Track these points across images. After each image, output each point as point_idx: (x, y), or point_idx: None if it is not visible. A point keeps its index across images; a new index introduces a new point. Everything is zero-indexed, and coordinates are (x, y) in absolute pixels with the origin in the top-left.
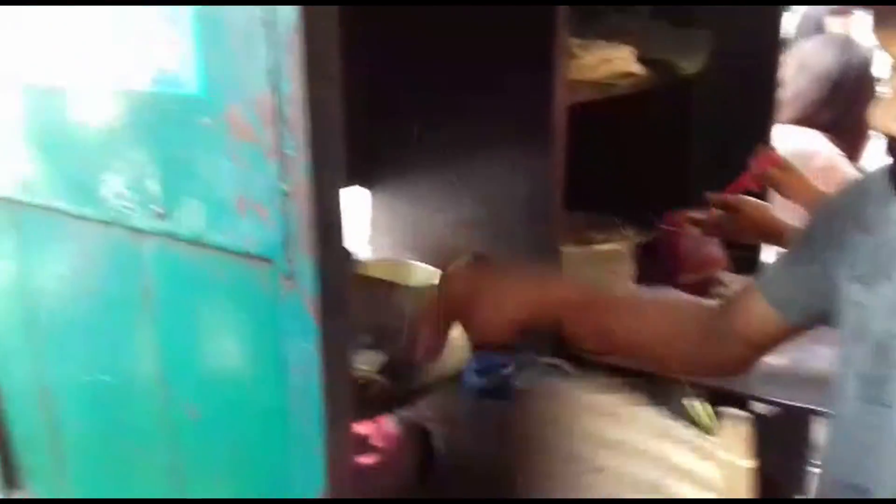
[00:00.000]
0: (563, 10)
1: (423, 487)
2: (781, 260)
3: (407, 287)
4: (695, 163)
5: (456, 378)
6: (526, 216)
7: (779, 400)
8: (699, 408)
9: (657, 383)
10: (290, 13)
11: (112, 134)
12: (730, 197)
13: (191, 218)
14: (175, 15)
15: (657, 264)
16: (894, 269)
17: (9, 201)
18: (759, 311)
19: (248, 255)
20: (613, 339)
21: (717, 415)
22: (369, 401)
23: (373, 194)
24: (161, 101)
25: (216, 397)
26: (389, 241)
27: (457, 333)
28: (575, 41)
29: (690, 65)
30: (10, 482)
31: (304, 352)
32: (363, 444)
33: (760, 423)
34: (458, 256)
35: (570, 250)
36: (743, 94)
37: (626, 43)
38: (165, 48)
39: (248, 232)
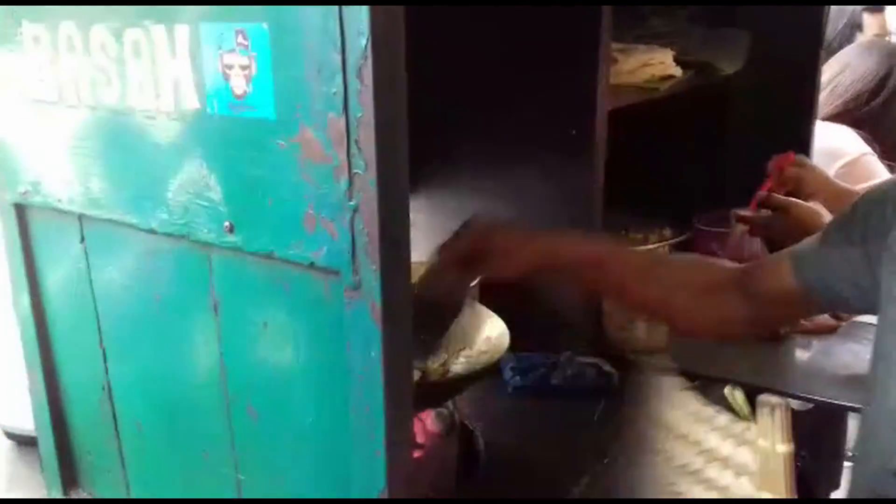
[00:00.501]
0: (606, 17)
1: (465, 484)
2: (817, 238)
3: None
4: (733, 163)
5: (494, 375)
6: (566, 221)
7: (816, 397)
8: (737, 395)
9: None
10: (361, 41)
11: (186, 154)
12: (780, 198)
13: (259, 232)
14: (250, 41)
15: None
16: None
17: (78, 216)
18: (784, 280)
19: (313, 267)
20: (627, 293)
21: (754, 403)
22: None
23: (414, 197)
24: (234, 124)
25: (277, 401)
26: (430, 244)
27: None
28: (616, 45)
29: (729, 65)
30: (69, 482)
31: (368, 360)
32: None
33: (797, 419)
34: None
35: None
36: (782, 94)
37: (665, 46)
38: (239, 73)
39: (315, 245)
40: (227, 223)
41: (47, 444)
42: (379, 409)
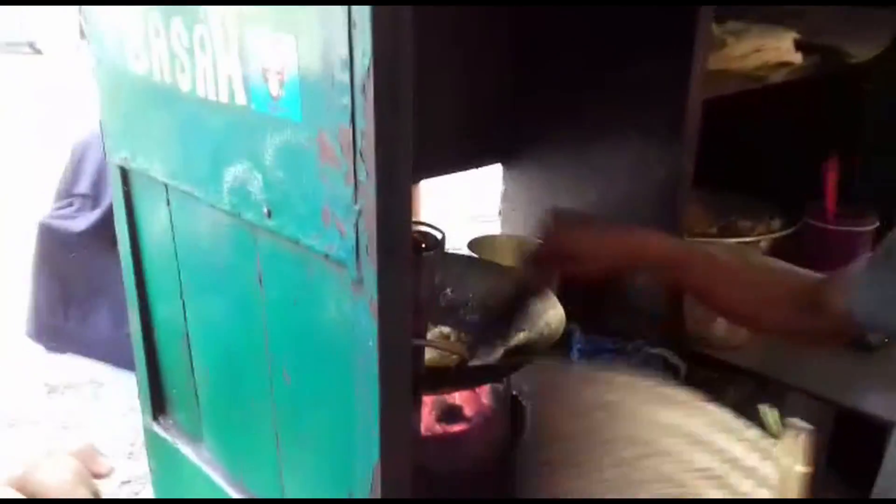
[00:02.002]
0: (706, 8)
1: (510, 458)
2: (871, 256)
3: (515, 269)
4: (864, 157)
5: (562, 355)
6: (653, 206)
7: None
8: (769, 413)
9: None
10: (366, 61)
11: (237, 143)
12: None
13: (289, 220)
14: (282, 49)
15: (802, 258)
16: None
17: (164, 184)
18: (838, 298)
19: (328, 259)
20: (714, 297)
21: (784, 423)
22: (465, 374)
23: (508, 170)
24: (272, 121)
25: (304, 370)
26: (520, 218)
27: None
28: (732, 26)
29: (863, 51)
30: (158, 409)
31: (367, 348)
32: (456, 414)
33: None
34: None
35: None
36: None
37: (795, 26)
38: (275, 77)
39: (331, 240)
40: (265, 209)
41: (142, 376)
42: (374, 393)
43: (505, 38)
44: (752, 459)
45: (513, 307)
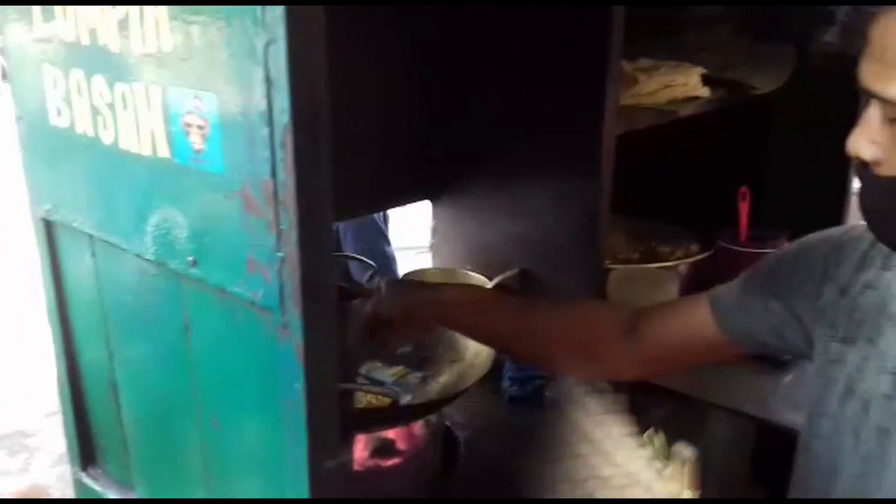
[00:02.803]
0: (616, 43)
1: (444, 489)
2: (737, 287)
3: None
4: (771, 182)
5: (493, 384)
6: (574, 236)
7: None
8: (656, 440)
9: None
10: (284, 118)
11: (161, 194)
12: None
13: (214, 269)
14: (204, 106)
15: (716, 280)
16: (876, 333)
17: (88, 235)
18: (702, 324)
19: (254, 305)
20: (513, 350)
21: (671, 449)
22: (397, 413)
23: (436, 207)
24: (195, 174)
25: (234, 416)
26: (449, 252)
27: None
28: (644, 63)
29: (767, 83)
30: (87, 459)
31: (293, 391)
32: (389, 449)
33: None
34: (508, 269)
35: (614, 268)
36: (828, 112)
37: (702, 61)
38: (197, 132)
39: (256, 286)
40: (190, 258)
41: (70, 426)
42: (302, 434)
43: (430, 79)
44: (646, 477)
45: (439, 338)
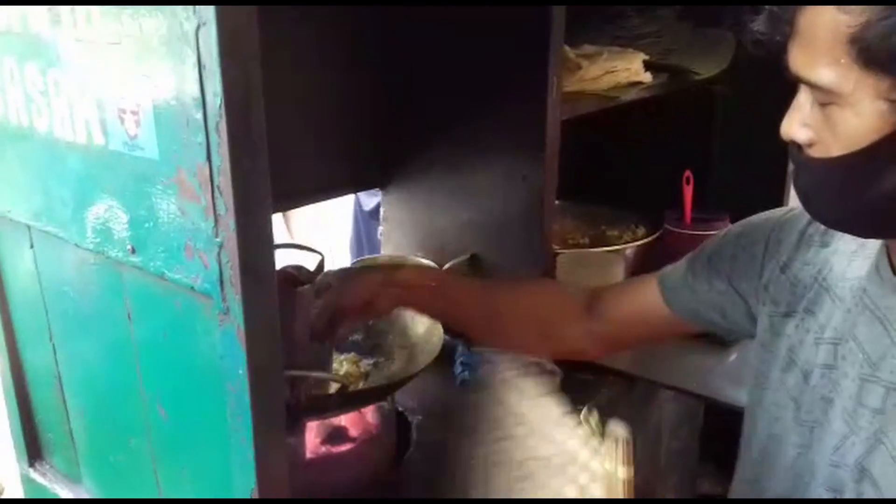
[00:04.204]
0: (557, 29)
1: (396, 475)
2: (684, 265)
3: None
4: (714, 166)
5: (445, 369)
6: (521, 221)
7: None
8: (591, 419)
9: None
10: (217, 101)
11: (97, 182)
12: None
13: (153, 255)
14: (136, 93)
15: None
16: (814, 304)
17: (26, 226)
18: (653, 305)
19: (194, 291)
20: (472, 332)
21: (605, 428)
22: (348, 399)
23: (386, 195)
24: (131, 160)
25: (179, 404)
26: (401, 239)
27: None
28: (588, 49)
29: (708, 68)
30: (33, 454)
31: (237, 376)
32: (341, 435)
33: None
34: (459, 254)
35: (562, 252)
36: (767, 97)
37: (644, 47)
38: (131, 117)
39: (195, 272)
40: (129, 245)
41: (15, 422)
42: (247, 420)
43: (377, 67)
44: (584, 455)
45: (390, 325)
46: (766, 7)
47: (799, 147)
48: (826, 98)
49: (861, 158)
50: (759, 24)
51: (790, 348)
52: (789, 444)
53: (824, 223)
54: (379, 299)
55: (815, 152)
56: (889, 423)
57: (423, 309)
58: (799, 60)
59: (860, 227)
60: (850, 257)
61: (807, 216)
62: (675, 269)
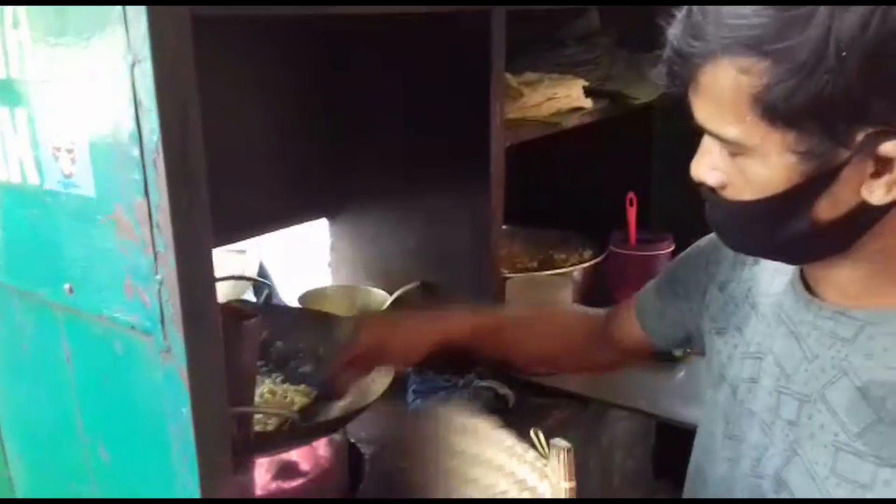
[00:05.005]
0: (497, 59)
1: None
2: (653, 287)
3: (344, 319)
4: (656, 188)
5: (398, 398)
6: (469, 247)
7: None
8: (540, 437)
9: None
10: (154, 137)
11: (33, 220)
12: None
13: (92, 295)
14: (71, 130)
15: (609, 283)
16: (742, 321)
17: None
18: (632, 327)
19: (136, 330)
20: (511, 354)
21: (549, 444)
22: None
23: (333, 225)
24: (67, 199)
25: (121, 446)
26: (349, 268)
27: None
28: (528, 77)
29: (646, 93)
30: None
31: (181, 416)
32: (292, 470)
33: None
34: (408, 282)
35: (512, 277)
36: None
37: (584, 74)
38: (66, 155)
39: (135, 311)
40: (67, 285)
41: None
42: (192, 461)
43: (321, 98)
44: (532, 479)
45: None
46: (666, 61)
47: (710, 188)
48: (735, 150)
49: (773, 204)
50: (659, 77)
51: (721, 365)
52: (721, 459)
53: (738, 251)
54: (418, 342)
55: (729, 194)
56: (802, 435)
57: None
58: (703, 114)
59: (774, 258)
60: (772, 274)
61: None
62: (646, 292)
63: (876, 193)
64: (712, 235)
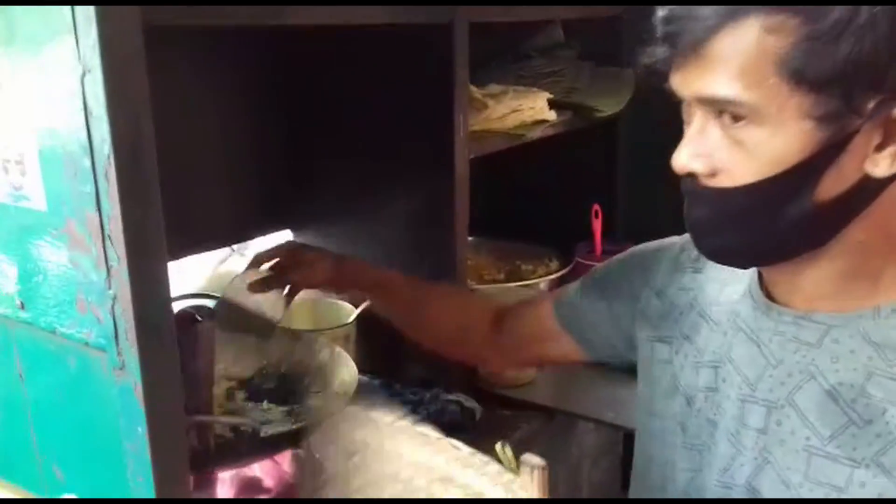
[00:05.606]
0: (460, 72)
1: None
2: (580, 283)
3: (306, 334)
4: (621, 199)
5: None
6: (434, 258)
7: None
8: (507, 451)
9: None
10: (105, 148)
11: None
12: None
13: (45, 310)
14: (20, 142)
15: None
16: (692, 330)
17: None
18: (547, 319)
19: (90, 346)
20: (416, 322)
21: (519, 459)
22: (258, 444)
23: (297, 237)
24: (17, 211)
25: (77, 464)
26: None
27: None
28: (493, 89)
29: (609, 105)
30: None
31: (136, 434)
32: (255, 487)
33: None
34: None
35: (479, 288)
36: (667, 130)
37: (548, 86)
38: (15, 167)
39: (88, 327)
40: (18, 301)
41: None
42: (149, 480)
43: (283, 108)
44: (495, 492)
45: (306, 369)
46: (661, 36)
47: (693, 178)
48: (747, 116)
49: (776, 184)
50: (647, 57)
51: (672, 375)
52: (680, 469)
53: (711, 254)
54: (333, 282)
55: (720, 181)
56: (772, 441)
57: (365, 290)
58: (709, 84)
59: (749, 257)
60: (722, 283)
61: (678, 244)
62: (567, 290)
63: (881, 165)
64: (647, 244)
